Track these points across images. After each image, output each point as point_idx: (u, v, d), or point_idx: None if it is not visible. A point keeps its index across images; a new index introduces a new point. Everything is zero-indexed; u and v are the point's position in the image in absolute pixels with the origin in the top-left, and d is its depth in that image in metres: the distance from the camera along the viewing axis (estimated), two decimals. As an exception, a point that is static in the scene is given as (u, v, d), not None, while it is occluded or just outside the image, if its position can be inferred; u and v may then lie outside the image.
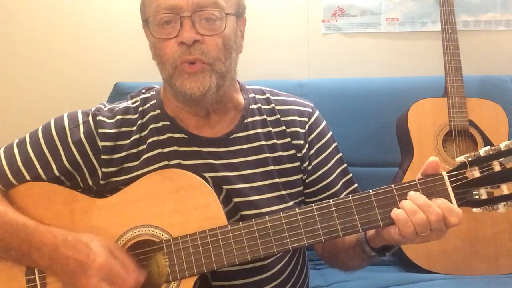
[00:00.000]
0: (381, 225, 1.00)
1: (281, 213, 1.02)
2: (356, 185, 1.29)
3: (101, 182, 1.15)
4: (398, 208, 0.98)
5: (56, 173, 1.14)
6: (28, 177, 1.14)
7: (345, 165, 1.29)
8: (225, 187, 1.14)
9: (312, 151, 1.23)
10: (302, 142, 1.22)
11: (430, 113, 1.88)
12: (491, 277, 1.72)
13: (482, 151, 0.96)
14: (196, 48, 1.07)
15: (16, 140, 1.18)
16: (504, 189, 0.96)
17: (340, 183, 1.26)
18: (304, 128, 1.24)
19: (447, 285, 1.66)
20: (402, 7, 2.27)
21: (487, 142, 1.84)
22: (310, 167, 1.23)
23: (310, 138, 1.24)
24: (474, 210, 0.98)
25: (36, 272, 1.07)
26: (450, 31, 1.95)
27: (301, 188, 1.23)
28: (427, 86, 2.04)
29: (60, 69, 2.27)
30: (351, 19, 2.28)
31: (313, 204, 1.02)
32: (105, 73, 2.24)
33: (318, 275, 1.84)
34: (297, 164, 1.22)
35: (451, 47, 1.93)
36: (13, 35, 2.24)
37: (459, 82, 1.89)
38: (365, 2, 2.27)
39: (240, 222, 1.03)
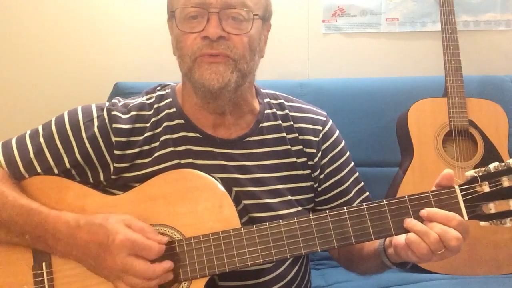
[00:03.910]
0: (394, 234, 1.01)
1: (295, 218, 1.03)
2: (368, 193, 1.30)
3: (112, 177, 1.15)
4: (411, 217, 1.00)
5: (68, 166, 1.14)
6: (39, 170, 1.13)
7: (357, 173, 1.30)
8: (234, 188, 1.13)
9: (326, 159, 1.24)
10: (314, 151, 1.23)
11: (430, 113, 1.88)
12: (491, 277, 1.73)
13: (492, 166, 0.98)
14: (220, 43, 1.07)
15: (29, 132, 1.17)
16: None
17: (354, 191, 1.27)
18: (318, 137, 1.24)
19: (447, 285, 1.67)
20: (402, 7, 2.27)
21: (487, 142, 1.84)
22: (322, 176, 1.24)
23: (323, 147, 1.24)
24: (482, 223, 1.00)
25: (44, 267, 1.06)
26: (450, 31, 1.96)
27: (310, 195, 1.24)
28: (427, 86, 2.05)
29: (60, 69, 2.25)
30: (351, 19, 2.28)
31: (327, 211, 1.02)
32: (105, 73, 2.22)
33: (318, 275, 1.84)
34: (308, 171, 1.22)
35: (451, 47, 1.93)
36: (13, 35, 2.22)
37: (459, 82, 1.89)
38: (365, 2, 2.27)
39: (254, 225, 1.03)
